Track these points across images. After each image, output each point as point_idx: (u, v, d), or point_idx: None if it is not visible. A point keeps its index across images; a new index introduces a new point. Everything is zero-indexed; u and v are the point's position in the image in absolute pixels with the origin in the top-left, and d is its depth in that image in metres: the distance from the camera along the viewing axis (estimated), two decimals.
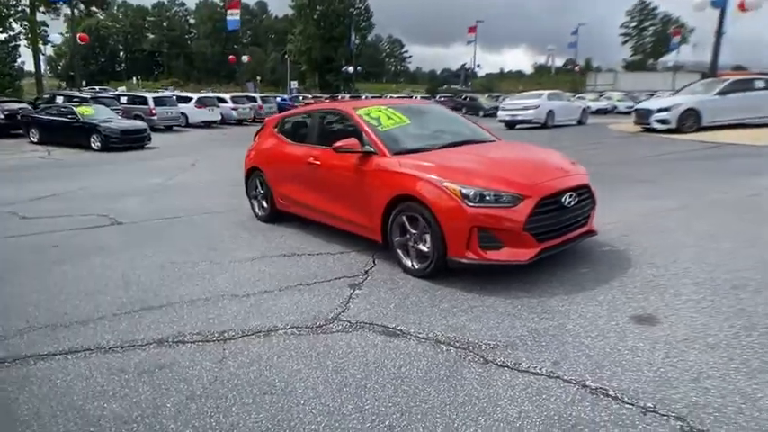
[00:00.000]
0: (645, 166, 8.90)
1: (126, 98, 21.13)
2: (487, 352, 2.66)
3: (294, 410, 2.22)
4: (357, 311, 3.23)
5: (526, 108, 19.09)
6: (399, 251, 3.91)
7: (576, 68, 71.48)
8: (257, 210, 5.77)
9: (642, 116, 14.53)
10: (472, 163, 3.79)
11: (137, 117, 18.16)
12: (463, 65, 76.17)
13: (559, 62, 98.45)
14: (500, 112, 20.39)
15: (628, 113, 32.88)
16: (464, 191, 3.41)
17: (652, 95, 36.58)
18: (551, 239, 3.54)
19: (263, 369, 2.57)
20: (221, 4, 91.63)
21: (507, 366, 2.51)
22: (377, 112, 4.51)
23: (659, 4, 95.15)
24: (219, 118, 24.06)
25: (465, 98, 47.22)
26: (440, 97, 51.27)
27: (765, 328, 2.79)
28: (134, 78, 58.01)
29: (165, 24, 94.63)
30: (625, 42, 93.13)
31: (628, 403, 2.17)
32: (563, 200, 3.57)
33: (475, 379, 2.41)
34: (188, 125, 22.45)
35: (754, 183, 6.90)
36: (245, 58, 41.13)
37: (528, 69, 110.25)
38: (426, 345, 2.77)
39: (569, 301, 3.26)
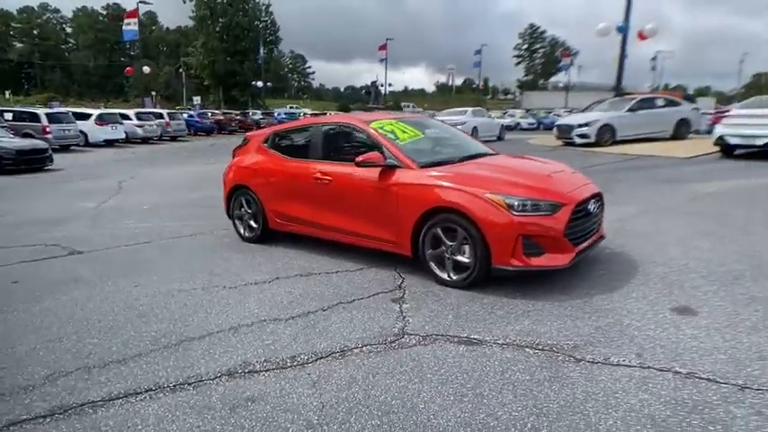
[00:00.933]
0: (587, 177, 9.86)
1: (11, 114, 18.85)
2: (572, 351, 2.86)
3: (432, 426, 2.23)
4: (419, 325, 3.28)
5: (454, 124, 20.09)
6: (432, 263, 4.01)
7: (481, 86, 76.59)
8: (243, 230, 5.54)
9: (564, 131, 16.06)
10: (502, 174, 4.03)
11: (26, 136, 16.33)
12: (374, 82, 78.35)
13: (458, 81, 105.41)
14: None
15: (530, 129, 36.27)
16: (508, 201, 3.63)
17: (550, 112, 40.69)
18: (582, 243, 3.87)
19: (368, 389, 2.54)
20: (104, 12, 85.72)
21: (600, 362, 2.73)
22: (390, 126, 4.61)
23: (547, 28, 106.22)
24: (123, 136, 22.37)
25: None
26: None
27: None
28: (5, 93, 51.69)
29: (35, 32, 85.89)
30: (518, 63, 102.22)
31: (723, 383, 2.48)
32: (589, 206, 3.94)
33: (581, 377, 2.59)
34: (87, 144, 20.60)
35: (688, 189, 7.99)
36: (146, 69, 38.54)
37: (428, 87, 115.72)
38: (511, 350, 2.90)
39: (609, 299, 3.59)
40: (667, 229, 5.50)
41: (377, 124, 4.60)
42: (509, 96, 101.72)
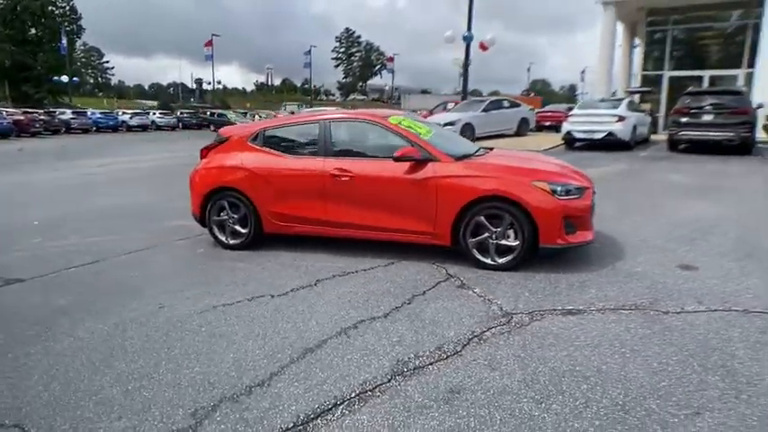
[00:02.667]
0: None
1: None
2: (653, 307, 3.42)
3: (630, 379, 2.54)
4: (512, 305, 3.52)
5: None
6: (475, 250, 4.27)
7: (318, 87, 77.28)
8: (224, 237, 5.03)
9: None
10: (530, 164, 4.48)
11: None
12: (198, 80, 73.17)
13: (277, 81, 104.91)
14: None
15: None
16: (551, 187, 4.08)
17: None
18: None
19: (546, 362, 2.72)
20: None
21: (682, 312, 3.33)
22: (407, 122, 4.70)
23: (362, 33, 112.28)
24: None
25: (212, 114, 45.81)
26: (181, 113, 48.22)
27: (758, 253, 4.41)
28: None
29: None
30: (337, 66, 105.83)
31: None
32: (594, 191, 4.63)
33: (682, 324, 3.15)
34: None
35: None
36: None
37: (241, 86, 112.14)
38: (610, 314, 3.35)
39: (628, 265, 4.30)
40: (610, 211, 6.48)
41: (395, 120, 4.66)
42: (330, 98, 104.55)
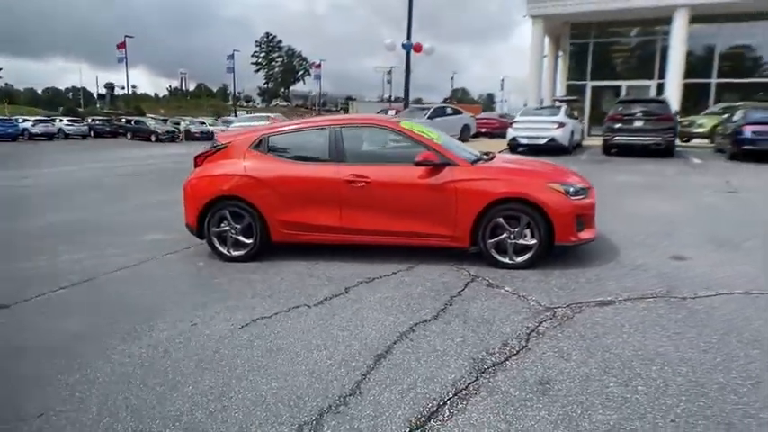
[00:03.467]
0: None
1: None
2: (672, 294, 3.77)
3: (686, 359, 2.81)
4: (547, 300, 3.72)
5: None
6: (493, 251, 4.46)
7: (238, 93, 75.09)
8: (226, 249, 4.84)
9: None
10: (537, 167, 4.75)
11: None
12: (109, 84, 68.36)
13: (191, 85, 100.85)
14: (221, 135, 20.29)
15: None
16: (565, 188, 4.37)
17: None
18: None
19: (617, 352, 2.94)
20: None
21: (698, 297, 3.70)
22: (417, 127, 4.82)
23: (283, 38, 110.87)
24: None
25: (128, 121, 43.11)
26: (92, 120, 44.92)
27: (729, 243, 4.96)
28: None
29: None
30: (257, 71, 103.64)
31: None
32: None
33: (704, 307, 3.50)
34: None
35: None
36: None
37: (149, 90, 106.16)
38: (638, 302, 3.64)
39: (628, 259, 4.68)
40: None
41: (407, 125, 4.75)
42: (251, 104, 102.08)
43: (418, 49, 20.98)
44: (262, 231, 4.73)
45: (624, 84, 23.24)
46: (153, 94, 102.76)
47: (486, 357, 2.88)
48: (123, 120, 44.11)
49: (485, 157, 5.01)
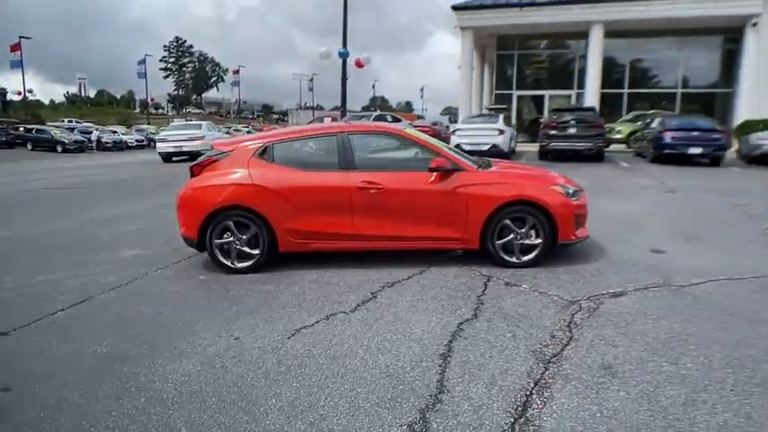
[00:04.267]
0: None
1: None
2: (669, 283, 4.22)
3: (714, 339, 3.21)
4: (568, 294, 4.02)
5: (192, 139, 19.02)
6: (501, 251, 4.73)
7: (151, 100, 71.09)
8: (229, 261, 4.71)
9: None
10: (536, 172, 5.10)
11: None
12: (1, 90, 61.66)
13: (91, 92, 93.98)
14: (160, 144, 19.31)
15: None
16: (565, 190, 4.74)
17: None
18: None
19: (657, 335, 3.27)
20: None
21: (692, 285, 4.18)
22: (423, 135, 4.99)
23: (194, 43, 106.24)
24: None
25: (29, 130, 39.38)
26: None
27: (692, 237, 5.59)
28: None
29: None
30: (167, 77, 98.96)
31: (757, 277, 4.32)
32: None
33: (704, 294, 3.98)
34: None
35: None
36: None
37: (39, 96, 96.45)
38: (644, 293, 4.05)
39: (615, 255, 5.15)
40: None
41: (413, 132, 4.91)
42: (160, 111, 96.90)
43: (360, 64, 21.23)
44: (269, 241, 4.66)
45: (547, 93, 25.02)
46: (48, 101, 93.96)
47: (544, 349, 3.09)
48: (22, 128, 40.19)
49: (488, 162, 5.28)
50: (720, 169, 13.39)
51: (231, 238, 4.67)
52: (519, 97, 25.39)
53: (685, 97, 23.02)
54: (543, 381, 2.72)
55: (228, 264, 4.70)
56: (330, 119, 24.54)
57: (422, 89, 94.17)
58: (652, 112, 20.45)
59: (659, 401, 2.50)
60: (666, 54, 23.26)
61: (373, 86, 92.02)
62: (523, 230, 4.68)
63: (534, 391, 2.61)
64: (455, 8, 23.66)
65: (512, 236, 4.69)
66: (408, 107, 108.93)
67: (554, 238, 4.68)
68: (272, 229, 4.63)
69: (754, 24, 19.78)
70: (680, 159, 13.77)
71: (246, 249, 4.69)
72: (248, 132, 37.05)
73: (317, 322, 3.56)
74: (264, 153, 4.77)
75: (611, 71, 23.31)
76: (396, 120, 20.44)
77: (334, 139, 4.80)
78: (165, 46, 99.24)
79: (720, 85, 22.72)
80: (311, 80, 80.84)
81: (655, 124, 14.89)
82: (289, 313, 3.74)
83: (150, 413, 2.49)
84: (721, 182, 11.05)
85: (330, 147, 4.79)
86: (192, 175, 4.85)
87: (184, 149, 18.98)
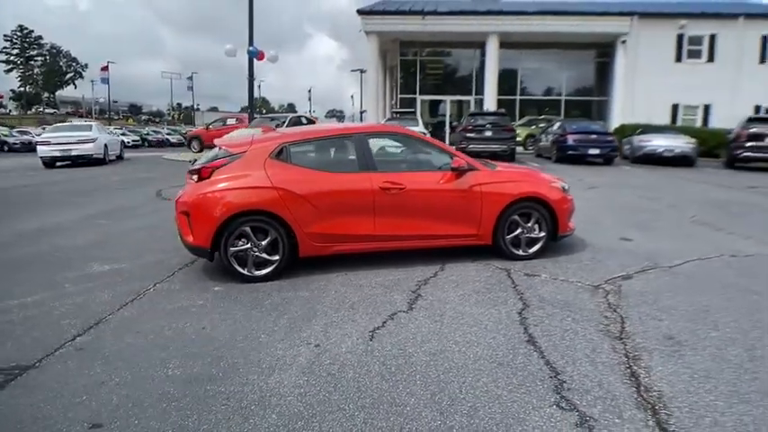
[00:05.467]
0: None
1: None
2: (658, 265, 4.89)
3: (730, 308, 3.84)
4: (588, 280, 4.48)
5: (82, 141, 17.09)
6: (510, 245, 5.09)
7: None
8: (246, 269, 4.49)
9: None
10: (534, 171, 5.54)
11: None
12: None
13: None
14: (42, 147, 17.03)
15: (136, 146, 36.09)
16: (563, 186, 5.24)
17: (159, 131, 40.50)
18: None
19: (675, 306, 3.80)
20: None
21: (676, 265, 4.89)
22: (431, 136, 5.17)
23: (43, 33, 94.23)
24: None
25: None
26: None
27: (644, 227, 6.44)
28: None
29: None
30: (9, 71, 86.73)
31: (718, 256, 5.15)
32: None
33: (695, 270, 4.69)
34: None
35: None
36: None
37: None
38: (646, 274, 4.66)
39: (596, 244, 5.78)
40: None
41: (424, 133, 5.07)
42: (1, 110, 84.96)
43: (261, 57, 20.66)
44: (290, 246, 4.52)
45: (448, 98, 26.49)
46: None
47: (608, 328, 3.46)
48: None
49: (489, 162, 5.62)
50: (614, 168, 15.34)
51: (248, 245, 4.45)
52: (422, 101, 26.54)
53: (568, 104, 25.85)
54: (631, 354, 3.06)
55: (245, 272, 4.47)
56: (234, 119, 23.61)
57: (309, 91, 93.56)
58: (543, 117, 22.69)
59: (730, 360, 2.97)
60: (552, 65, 25.92)
61: (259, 86, 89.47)
62: (529, 225, 5.08)
63: (632, 364, 2.94)
64: (360, 12, 24.08)
65: (519, 230, 5.06)
66: (291, 109, 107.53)
67: (555, 231, 5.14)
68: (292, 233, 4.50)
69: (623, 42, 22.90)
70: (580, 160, 15.51)
71: (264, 256, 4.50)
72: (122, 135, 34.30)
73: (385, 323, 3.58)
74: (281, 154, 4.62)
75: (505, 79, 25.35)
76: (310, 121, 20.27)
77: (351, 140, 4.80)
78: (5, 36, 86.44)
79: (597, 94, 25.87)
80: (191, 78, 76.51)
81: (555, 128, 16.58)
82: (347, 317, 3.71)
83: (297, 427, 2.38)
84: (624, 178, 12.70)
85: (348, 147, 4.78)
86: (200, 179, 4.52)
87: (73, 153, 16.99)
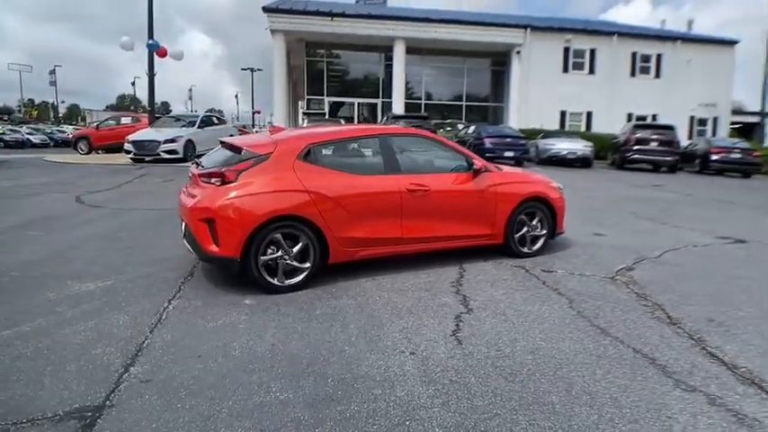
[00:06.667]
0: None
1: None
2: (647, 257, 5.46)
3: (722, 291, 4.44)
4: (602, 273, 4.87)
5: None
6: (518, 243, 5.34)
7: None
8: (276, 279, 4.20)
9: (145, 147, 15.41)
10: (532, 172, 5.83)
11: None
12: None
13: None
14: None
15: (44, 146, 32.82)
16: (559, 186, 5.62)
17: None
18: None
19: (679, 282, 4.30)
20: None
21: (659, 256, 5.51)
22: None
23: None
24: None
25: None
26: None
27: (606, 225, 7.11)
28: None
29: None
30: None
31: (686, 246, 5.88)
32: None
33: (676, 257, 5.32)
34: None
35: None
36: None
37: None
38: (645, 261, 5.18)
39: (579, 241, 6.27)
40: None
41: (439, 135, 5.12)
42: None
43: (163, 53, 19.12)
44: (321, 252, 4.31)
45: (356, 100, 26.69)
46: None
47: (655, 315, 3.81)
48: None
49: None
50: (528, 170, 16.60)
51: (279, 253, 4.16)
52: (330, 103, 26.41)
53: (468, 109, 27.44)
54: (695, 337, 3.42)
55: (276, 282, 4.17)
56: (129, 118, 21.52)
57: (190, 89, 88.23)
58: (449, 121, 23.82)
59: None
60: (455, 71, 27.32)
61: (133, 83, 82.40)
62: (533, 223, 5.37)
63: (703, 345, 3.29)
64: (266, 10, 23.37)
65: (525, 229, 5.33)
66: (165, 108, 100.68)
67: (553, 229, 5.49)
68: (323, 238, 4.29)
69: (518, 52, 24.88)
70: (495, 162, 16.56)
71: (295, 264, 4.24)
72: None
73: (459, 326, 3.57)
74: (309, 155, 4.37)
75: (411, 83, 26.18)
76: (221, 121, 19.20)
77: (376, 141, 4.70)
78: None
79: (494, 100, 27.79)
80: (53, 72, 67.85)
81: (471, 132, 17.53)
82: (415, 322, 3.63)
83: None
84: None
85: (373, 149, 4.68)
86: (224, 182, 4.11)
87: None
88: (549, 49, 25.12)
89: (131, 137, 15.72)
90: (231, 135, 18.76)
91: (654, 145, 16.47)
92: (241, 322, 3.64)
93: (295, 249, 4.21)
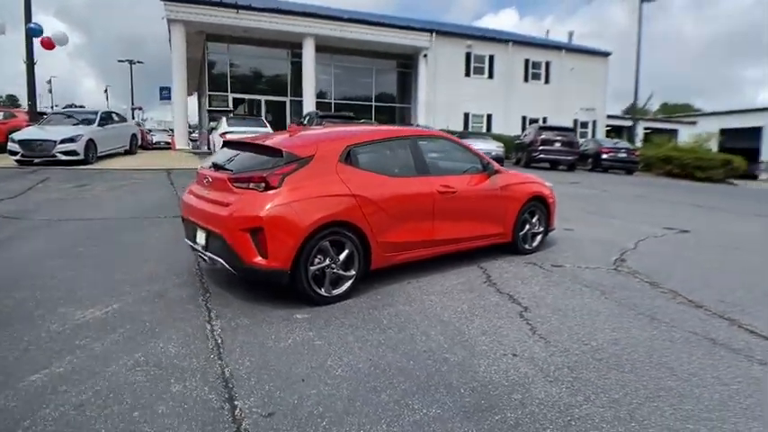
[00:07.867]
0: None
1: None
2: (624, 246, 6.06)
3: (711, 284, 5.09)
4: (607, 266, 5.32)
5: None
6: (522, 241, 5.62)
7: None
8: (323, 289, 3.99)
9: (36, 148, 13.40)
10: (522, 173, 6.12)
11: None
12: None
13: None
14: None
15: None
16: (550, 185, 6.00)
17: None
18: None
19: (672, 270, 4.87)
20: None
21: (641, 240, 6.13)
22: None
23: None
24: None
25: None
26: None
27: (573, 220, 7.71)
28: None
29: None
30: None
31: (657, 235, 6.60)
32: None
33: (657, 244, 5.96)
34: None
35: None
36: None
37: None
38: (633, 251, 5.74)
39: (561, 238, 6.74)
40: None
41: (456, 137, 5.21)
42: None
43: (48, 44, 16.84)
44: (365, 259, 4.19)
45: (263, 98, 25.75)
46: None
47: (674, 298, 4.28)
48: None
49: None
50: None
51: (326, 261, 3.96)
52: (235, 100, 25.19)
53: (377, 109, 27.81)
54: (727, 317, 3.90)
55: (323, 293, 3.96)
56: (3, 114, 18.65)
57: (49, 81, 78.64)
58: (363, 120, 23.94)
59: None
60: (364, 71, 27.49)
61: None
62: (533, 221, 5.69)
63: (738, 324, 3.76)
64: None
65: (527, 227, 5.63)
66: (12, 102, 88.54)
67: (548, 226, 5.86)
68: (367, 244, 4.17)
69: (425, 56, 25.77)
70: None
71: (341, 272, 4.06)
72: None
73: (532, 325, 3.70)
74: (349, 157, 4.20)
75: (320, 82, 25.86)
76: (122, 119, 17.40)
77: (406, 143, 4.66)
78: None
79: (401, 101, 28.46)
80: None
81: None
82: (489, 324, 3.69)
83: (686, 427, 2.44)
84: None
85: (404, 151, 4.62)
86: (267, 188, 3.79)
87: None
88: (453, 54, 26.38)
89: (17, 135, 13.60)
90: (134, 134, 17.26)
91: (558, 145, 18.10)
92: (313, 339, 3.41)
93: (341, 257, 4.03)
